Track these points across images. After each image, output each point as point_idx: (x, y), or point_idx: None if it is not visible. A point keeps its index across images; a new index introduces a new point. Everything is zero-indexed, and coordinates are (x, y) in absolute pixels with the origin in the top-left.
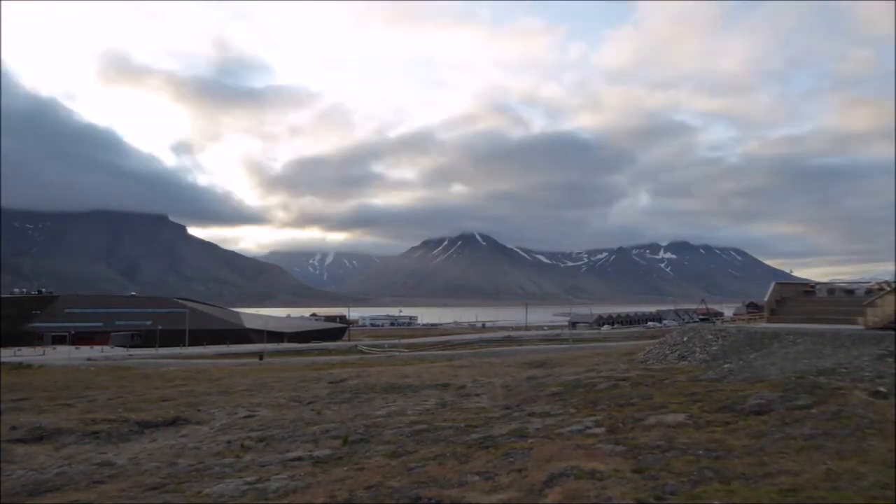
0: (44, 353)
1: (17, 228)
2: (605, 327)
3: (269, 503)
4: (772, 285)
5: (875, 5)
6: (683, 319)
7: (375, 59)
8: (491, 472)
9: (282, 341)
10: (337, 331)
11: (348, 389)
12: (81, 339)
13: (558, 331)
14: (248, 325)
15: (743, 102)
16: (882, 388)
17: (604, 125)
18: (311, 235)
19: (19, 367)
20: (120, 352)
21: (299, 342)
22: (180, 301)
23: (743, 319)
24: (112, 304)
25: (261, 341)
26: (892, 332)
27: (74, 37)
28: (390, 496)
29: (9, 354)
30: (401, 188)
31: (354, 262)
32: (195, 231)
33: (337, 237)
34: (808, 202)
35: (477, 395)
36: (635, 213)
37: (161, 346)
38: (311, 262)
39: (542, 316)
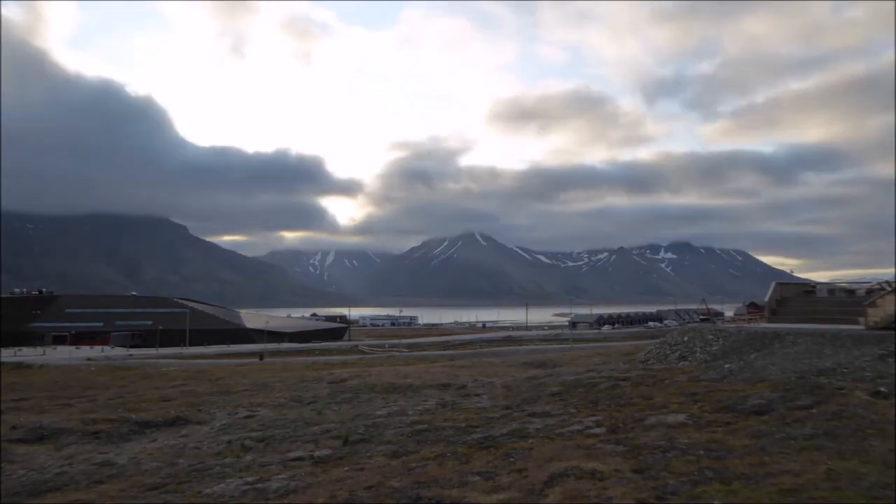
0: (44, 353)
1: (17, 229)
2: (606, 327)
3: (269, 503)
4: (772, 285)
5: None
6: (684, 319)
7: None
8: (491, 472)
9: (282, 341)
10: (337, 331)
11: (349, 389)
12: (82, 338)
13: (559, 331)
14: (249, 325)
15: None
16: (883, 389)
17: None
18: (312, 235)
19: (20, 366)
20: (120, 352)
21: (300, 342)
22: (180, 301)
23: (743, 319)
24: (112, 304)
25: (261, 341)
26: (893, 332)
27: None
28: (391, 496)
29: (9, 354)
30: None
31: (355, 261)
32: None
33: (338, 237)
34: None
35: (477, 395)
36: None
37: (161, 345)
38: (311, 262)
39: (542, 316)
